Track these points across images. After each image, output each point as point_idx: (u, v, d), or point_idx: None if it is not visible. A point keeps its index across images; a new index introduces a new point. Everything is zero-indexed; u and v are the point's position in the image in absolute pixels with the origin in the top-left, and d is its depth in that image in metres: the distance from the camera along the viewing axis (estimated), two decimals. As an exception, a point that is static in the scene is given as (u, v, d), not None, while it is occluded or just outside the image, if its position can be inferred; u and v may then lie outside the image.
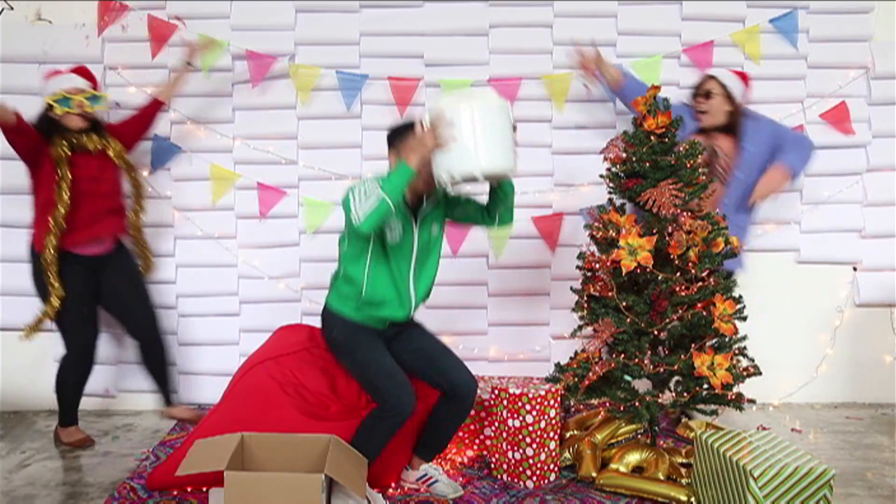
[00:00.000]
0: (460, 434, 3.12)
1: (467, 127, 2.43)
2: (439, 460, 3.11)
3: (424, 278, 2.80)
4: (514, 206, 2.77)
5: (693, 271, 2.88)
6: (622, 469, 2.90)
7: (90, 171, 3.22)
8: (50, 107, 3.18)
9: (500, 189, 2.69)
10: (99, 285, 3.36)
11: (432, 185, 2.65)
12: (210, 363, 3.82)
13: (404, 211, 2.69)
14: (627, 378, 2.92)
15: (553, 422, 2.94)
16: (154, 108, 3.44)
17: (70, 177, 3.15)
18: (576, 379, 2.92)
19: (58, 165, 3.15)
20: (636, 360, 2.89)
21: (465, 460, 3.12)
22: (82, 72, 3.29)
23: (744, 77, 3.46)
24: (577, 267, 3.05)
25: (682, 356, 2.87)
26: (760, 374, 2.94)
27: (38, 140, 3.16)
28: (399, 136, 2.67)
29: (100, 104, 3.22)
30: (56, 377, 3.33)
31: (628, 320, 2.86)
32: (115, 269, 3.38)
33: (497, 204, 2.74)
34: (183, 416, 3.57)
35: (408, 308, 2.76)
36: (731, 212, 3.30)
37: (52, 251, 3.18)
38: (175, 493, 2.82)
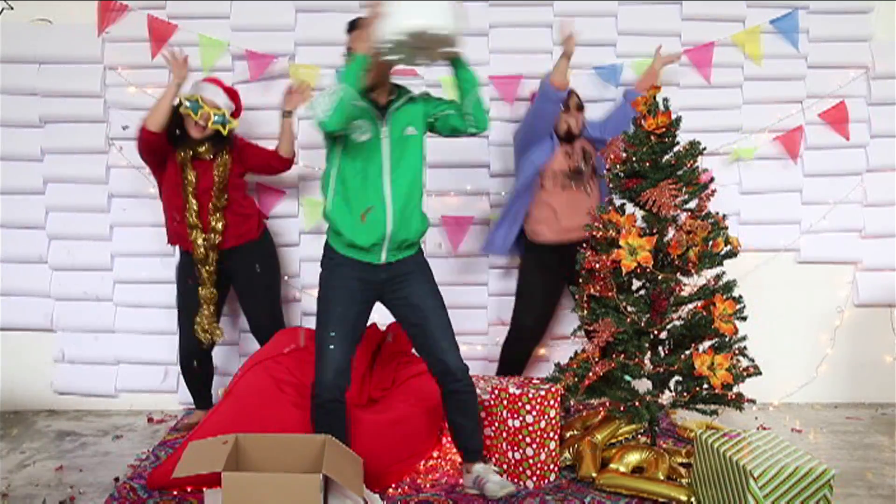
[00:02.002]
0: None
1: None
2: (440, 460, 3.12)
3: (402, 180, 2.65)
4: (480, 102, 2.66)
5: (693, 271, 2.88)
6: (622, 469, 2.90)
7: (198, 177, 3.28)
8: (181, 103, 3.23)
9: (458, 76, 2.61)
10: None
11: (389, 75, 2.61)
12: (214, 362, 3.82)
13: (370, 110, 2.61)
14: (627, 378, 2.92)
15: (553, 422, 2.94)
16: (281, 164, 3.47)
17: (192, 181, 3.26)
18: (576, 379, 2.92)
19: (182, 169, 3.27)
20: (636, 360, 2.89)
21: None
22: (230, 92, 3.36)
23: None
24: (578, 267, 3.05)
25: (682, 356, 2.87)
26: (760, 374, 2.94)
27: (165, 149, 3.27)
28: (353, 28, 2.66)
29: (220, 122, 3.24)
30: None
31: (628, 320, 2.86)
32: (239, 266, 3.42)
33: (462, 98, 2.64)
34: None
35: (383, 223, 2.61)
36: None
37: (200, 251, 3.29)
38: (175, 493, 2.82)
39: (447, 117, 2.72)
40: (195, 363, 3.43)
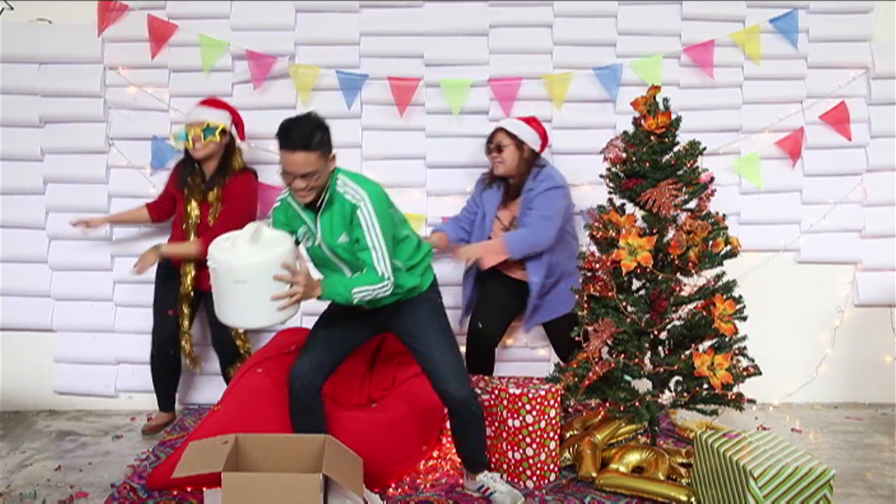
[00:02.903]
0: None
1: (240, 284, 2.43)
2: (440, 460, 3.12)
3: (349, 267, 2.63)
4: (379, 301, 2.62)
5: (693, 271, 2.88)
6: (622, 469, 2.90)
7: (190, 214, 3.33)
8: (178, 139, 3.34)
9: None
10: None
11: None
12: (210, 364, 3.81)
13: (305, 214, 2.60)
14: (627, 378, 2.92)
15: (553, 422, 2.94)
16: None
17: (192, 217, 3.33)
18: (576, 379, 2.92)
19: (184, 205, 3.35)
20: (636, 360, 2.89)
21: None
22: (211, 102, 3.37)
23: (532, 121, 3.45)
24: (578, 267, 3.05)
25: (682, 356, 2.87)
26: (760, 374, 2.94)
27: (171, 197, 3.46)
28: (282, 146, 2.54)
29: (212, 135, 3.26)
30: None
31: (628, 320, 2.86)
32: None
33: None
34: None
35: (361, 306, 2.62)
36: (541, 288, 3.34)
37: (188, 287, 3.37)
38: (175, 493, 2.82)
39: (361, 259, 2.56)
40: (163, 360, 3.49)
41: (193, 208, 3.32)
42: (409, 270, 2.70)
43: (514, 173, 3.40)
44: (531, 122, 3.45)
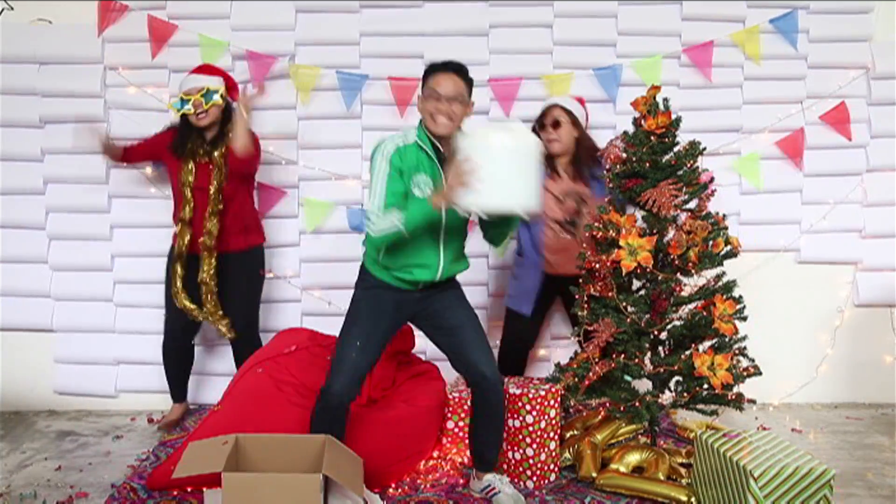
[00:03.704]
0: (460, 434, 3.11)
1: (494, 161, 2.34)
2: (440, 460, 3.12)
3: (452, 240, 2.66)
4: (509, 237, 2.66)
5: (693, 271, 2.88)
6: (622, 469, 2.90)
7: (196, 178, 3.30)
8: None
9: (506, 222, 2.58)
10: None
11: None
12: (210, 364, 3.82)
13: (434, 164, 2.57)
14: (627, 378, 2.92)
15: (553, 422, 2.94)
16: (237, 163, 3.26)
17: (190, 180, 3.29)
18: (576, 379, 2.92)
19: (182, 167, 3.30)
20: (636, 360, 2.89)
21: (466, 460, 3.11)
22: (206, 69, 3.34)
23: (581, 101, 3.42)
24: (578, 267, 3.05)
25: (683, 356, 2.88)
26: (760, 374, 2.94)
27: (152, 154, 3.44)
28: (434, 70, 2.58)
29: (213, 99, 3.25)
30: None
31: (628, 320, 2.86)
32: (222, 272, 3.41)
33: (495, 227, 2.64)
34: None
35: (434, 273, 2.63)
36: None
37: (182, 247, 3.32)
38: (175, 493, 2.82)
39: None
40: (177, 349, 3.50)
41: (190, 171, 3.29)
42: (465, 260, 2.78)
43: (567, 151, 3.29)
44: (580, 101, 3.42)
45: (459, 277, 2.82)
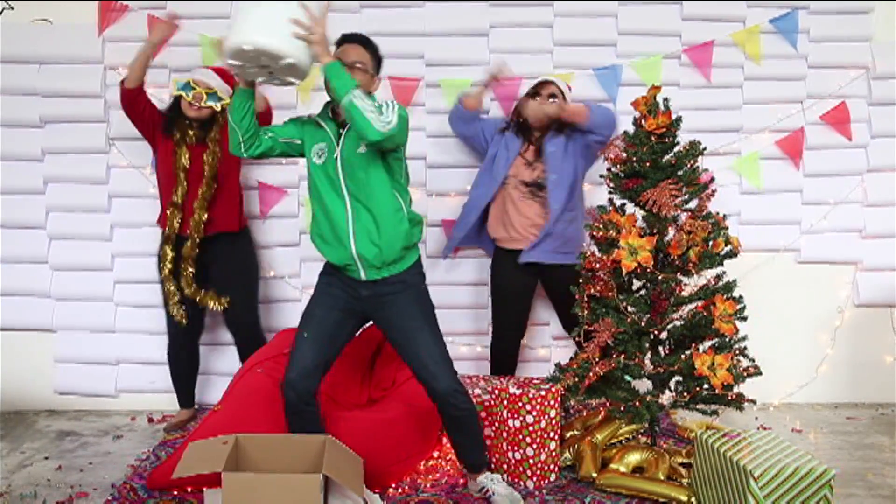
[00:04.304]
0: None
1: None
2: (440, 460, 3.12)
3: (363, 200, 2.55)
4: (356, 113, 2.39)
5: (693, 271, 2.88)
6: (622, 469, 2.90)
7: (191, 162, 3.31)
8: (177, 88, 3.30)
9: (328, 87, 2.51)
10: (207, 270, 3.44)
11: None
12: (212, 364, 3.82)
13: (328, 126, 2.62)
14: (628, 378, 2.92)
15: (553, 422, 2.94)
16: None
17: (183, 165, 3.29)
18: (576, 379, 2.92)
19: (175, 150, 3.30)
20: (636, 360, 2.89)
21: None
22: (222, 73, 3.35)
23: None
24: (577, 268, 3.05)
25: (683, 356, 2.88)
26: (761, 374, 2.94)
27: (150, 118, 3.34)
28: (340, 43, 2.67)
29: (214, 101, 3.27)
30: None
31: (628, 320, 2.86)
32: (218, 256, 3.42)
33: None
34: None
35: (346, 253, 2.57)
36: (559, 215, 3.27)
37: (173, 229, 3.32)
38: (175, 493, 2.82)
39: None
40: (182, 352, 3.49)
41: (184, 153, 3.29)
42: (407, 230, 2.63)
43: (544, 126, 3.34)
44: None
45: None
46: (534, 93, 3.36)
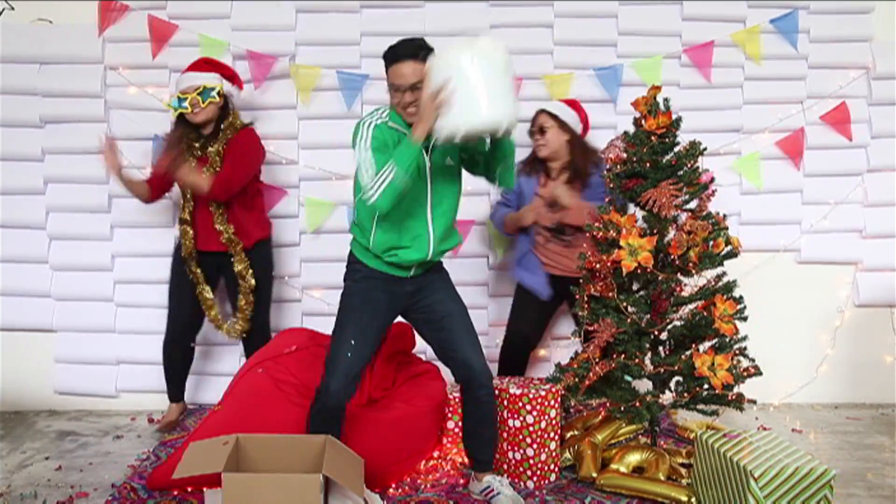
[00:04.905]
0: (461, 434, 3.11)
1: (467, 77, 2.28)
2: (440, 460, 3.12)
3: (442, 213, 2.61)
4: (514, 168, 2.59)
5: (693, 271, 2.88)
6: (622, 469, 2.90)
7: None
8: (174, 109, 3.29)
9: (500, 148, 2.49)
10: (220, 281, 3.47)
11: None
12: (211, 364, 3.82)
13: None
14: (628, 378, 2.92)
15: (553, 422, 2.94)
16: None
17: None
18: (576, 379, 2.92)
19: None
20: (636, 361, 2.89)
21: (466, 460, 3.11)
22: (201, 65, 3.30)
23: (573, 104, 3.42)
24: (578, 267, 3.05)
25: (683, 356, 2.87)
26: (761, 374, 2.94)
27: (166, 176, 3.30)
28: (389, 61, 2.52)
29: (211, 96, 3.23)
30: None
31: (629, 320, 2.86)
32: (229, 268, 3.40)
33: (497, 162, 2.54)
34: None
35: (425, 250, 2.59)
36: None
37: (188, 249, 3.33)
38: (175, 493, 2.82)
39: (474, 159, 2.61)
40: (177, 347, 3.48)
41: (189, 167, 3.25)
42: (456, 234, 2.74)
43: (558, 156, 3.34)
44: (572, 104, 3.42)
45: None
46: (529, 131, 3.40)
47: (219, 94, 3.26)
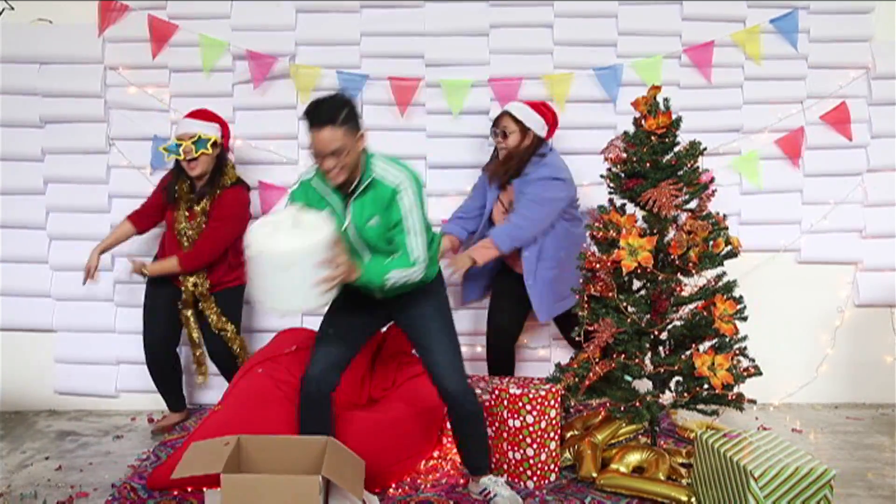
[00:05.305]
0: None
1: (281, 270, 2.33)
2: (440, 460, 3.12)
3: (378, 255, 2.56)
4: (411, 284, 2.54)
5: (694, 271, 2.88)
6: (622, 469, 2.90)
7: (180, 222, 3.33)
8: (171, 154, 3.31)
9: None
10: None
11: (356, 172, 2.48)
12: (210, 364, 3.81)
13: (332, 199, 2.54)
14: (628, 378, 2.92)
15: (553, 422, 2.94)
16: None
17: (184, 230, 3.32)
18: (576, 379, 2.92)
19: (174, 213, 3.36)
20: (636, 361, 2.89)
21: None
22: (201, 114, 3.33)
23: (540, 106, 3.40)
24: (578, 267, 3.05)
25: (683, 356, 2.87)
26: (761, 374, 2.94)
27: (156, 207, 3.42)
28: (308, 125, 2.42)
29: (203, 147, 3.23)
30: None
31: (629, 320, 2.86)
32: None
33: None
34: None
35: (370, 291, 2.57)
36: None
37: (189, 293, 3.35)
38: (175, 493, 2.82)
39: (395, 243, 2.54)
40: (159, 361, 3.47)
41: (181, 216, 3.31)
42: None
43: (513, 155, 3.34)
44: (539, 106, 3.40)
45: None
46: (492, 131, 3.40)
47: (213, 145, 3.26)
